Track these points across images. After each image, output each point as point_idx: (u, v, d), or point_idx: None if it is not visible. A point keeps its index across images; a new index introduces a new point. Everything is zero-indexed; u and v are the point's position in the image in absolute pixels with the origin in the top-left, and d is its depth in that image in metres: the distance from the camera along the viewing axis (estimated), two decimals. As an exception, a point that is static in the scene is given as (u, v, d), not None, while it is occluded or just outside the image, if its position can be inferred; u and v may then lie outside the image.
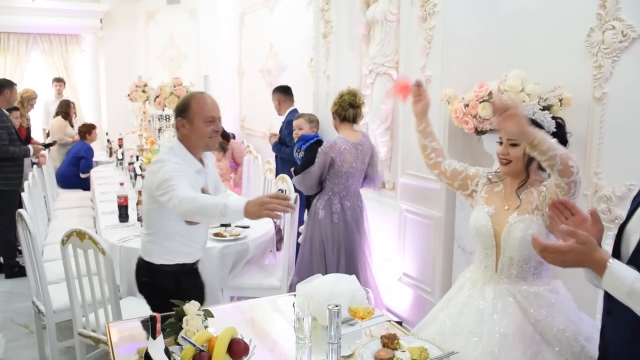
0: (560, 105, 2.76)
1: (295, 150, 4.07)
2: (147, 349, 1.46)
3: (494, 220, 2.05)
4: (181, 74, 8.70)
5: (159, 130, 7.71)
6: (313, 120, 4.28)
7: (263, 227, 3.75)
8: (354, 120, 3.72)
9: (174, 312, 1.79)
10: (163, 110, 3.95)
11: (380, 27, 3.91)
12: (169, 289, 2.38)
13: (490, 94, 2.77)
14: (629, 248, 1.50)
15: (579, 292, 2.13)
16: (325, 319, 1.96)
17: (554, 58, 2.88)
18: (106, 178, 5.71)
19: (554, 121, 2.02)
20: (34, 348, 3.50)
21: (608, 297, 1.51)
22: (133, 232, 3.53)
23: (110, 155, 7.10)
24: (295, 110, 5.18)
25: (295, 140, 4.17)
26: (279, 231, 4.04)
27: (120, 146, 6.50)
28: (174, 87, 3.86)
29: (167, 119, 7.24)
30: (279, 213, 2.10)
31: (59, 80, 8.46)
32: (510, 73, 2.83)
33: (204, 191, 2.40)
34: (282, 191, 4.39)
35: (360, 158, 3.70)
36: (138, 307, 3.00)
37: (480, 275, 2.09)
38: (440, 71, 3.28)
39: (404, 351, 1.80)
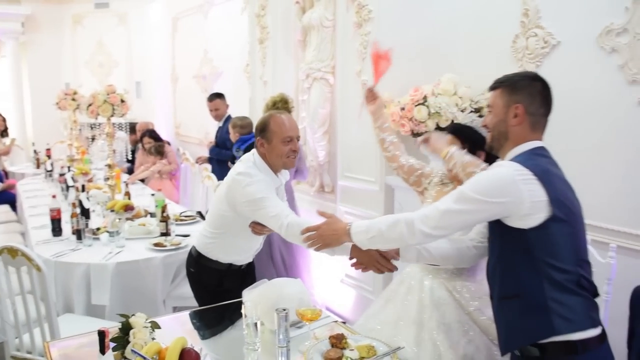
0: (490, 108, 2.90)
1: (235, 150, 4.24)
2: (95, 365, 1.43)
3: None
4: (112, 81, 8.41)
5: (92, 139, 7.46)
6: (236, 126, 4.38)
7: (204, 235, 3.71)
8: None
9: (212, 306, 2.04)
10: (96, 118, 3.82)
11: (317, 32, 3.97)
12: (211, 284, 2.58)
13: (425, 98, 2.88)
14: None
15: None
16: (272, 323, 1.97)
17: (483, 63, 3.02)
18: (35, 191, 5.44)
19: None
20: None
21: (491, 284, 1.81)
22: (68, 246, 3.40)
23: (38, 166, 6.78)
24: (230, 115, 5.29)
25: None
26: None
27: (48, 157, 6.22)
28: (107, 94, 3.74)
29: (98, 127, 7.03)
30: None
31: None
32: (443, 77, 2.96)
33: None
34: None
35: None
36: (76, 324, 2.89)
37: (419, 269, 2.20)
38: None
39: (353, 350, 1.84)
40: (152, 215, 3.95)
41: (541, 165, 1.65)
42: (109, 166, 4.00)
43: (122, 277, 3.13)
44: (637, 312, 1.96)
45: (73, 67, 9.05)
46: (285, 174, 2.58)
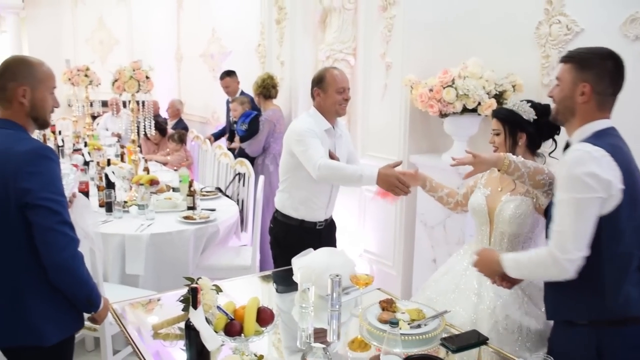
0: (514, 91, 3.04)
1: (240, 125, 4.80)
2: (187, 318, 1.55)
3: (489, 200, 2.26)
4: (112, 59, 8.44)
5: (94, 117, 7.46)
6: (244, 102, 5.06)
7: (230, 210, 3.82)
8: (275, 97, 4.75)
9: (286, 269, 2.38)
10: (120, 95, 3.91)
11: (338, 14, 4.05)
12: (281, 239, 2.91)
13: (453, 80, 3.00)
14: None
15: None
16: (322, 289, 2.11)
17: (507, 47, 3.14)
18: (48, 165, 5.49)
19: (533, 110, 2.19)
20: None
21: None
22: (98, 218, 3.49)
23: (44, 142, 6.80)
24: (243, 92, 5.51)
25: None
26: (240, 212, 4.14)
27: (58, 132, 6.26)
28: (133, 71, 3.83)
29: (107, 104, 7.05)
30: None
31: None
32: (469, 60, 3.07)
33: (331, 154, 2.79)
34: (240, 175, 4.48)
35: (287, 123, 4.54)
36: (114, 291, 2.97)
37: (477, 248, 2.26)
38: (400, 58, 3.48)
39: (404, 313, 1.99)
40: (175, 190, 4.06)
41: (620, 151, 1.65)
42: (133, 141, 4.10)
43: (155, 247, 3.24)
44: None
45: (73, 43, 9.02)
46: (341, 126, 2.93)
